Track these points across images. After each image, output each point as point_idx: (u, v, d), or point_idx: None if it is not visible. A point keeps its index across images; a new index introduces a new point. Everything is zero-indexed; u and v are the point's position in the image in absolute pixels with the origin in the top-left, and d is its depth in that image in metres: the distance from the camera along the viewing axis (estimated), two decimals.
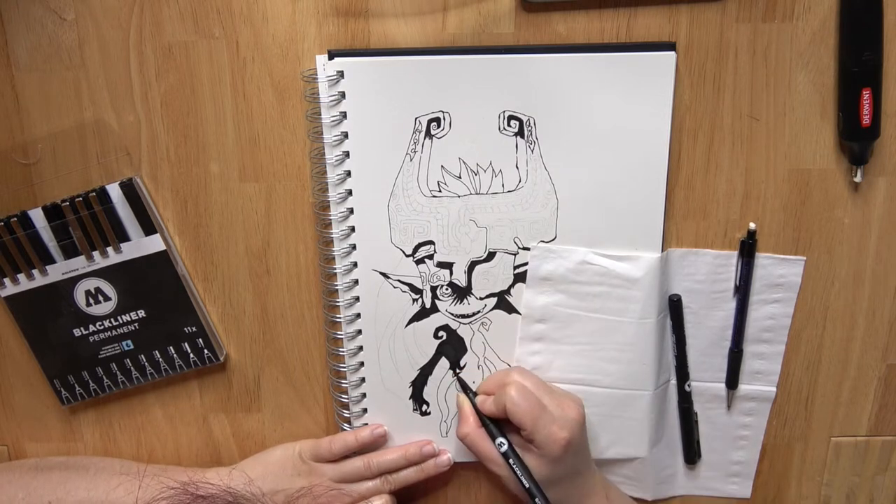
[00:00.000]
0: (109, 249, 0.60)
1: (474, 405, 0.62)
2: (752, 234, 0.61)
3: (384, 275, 0.61)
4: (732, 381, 0.65)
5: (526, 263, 0.61)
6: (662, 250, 0.61)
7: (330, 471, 0.63)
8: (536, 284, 0.62)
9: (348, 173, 0.59)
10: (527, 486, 0.57)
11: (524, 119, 0.57)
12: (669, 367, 0.64)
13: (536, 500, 0.57)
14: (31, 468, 0.64)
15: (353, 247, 0.60)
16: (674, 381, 0.65)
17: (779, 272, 0.62)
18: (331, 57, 0.56)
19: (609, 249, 0.60)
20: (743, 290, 0.62)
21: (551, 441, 0.57)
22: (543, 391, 0.59)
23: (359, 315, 0.62)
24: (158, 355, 0.64)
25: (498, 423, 0.60)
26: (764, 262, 0.62)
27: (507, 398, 0.58)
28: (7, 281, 0.60)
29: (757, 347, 0.64)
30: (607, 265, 0.60)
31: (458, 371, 0.64)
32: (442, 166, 0.58)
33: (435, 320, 0.63)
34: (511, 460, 0.58)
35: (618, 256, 0.60)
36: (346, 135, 0.58)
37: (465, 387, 0.64)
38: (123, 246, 0.60)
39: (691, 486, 0.68)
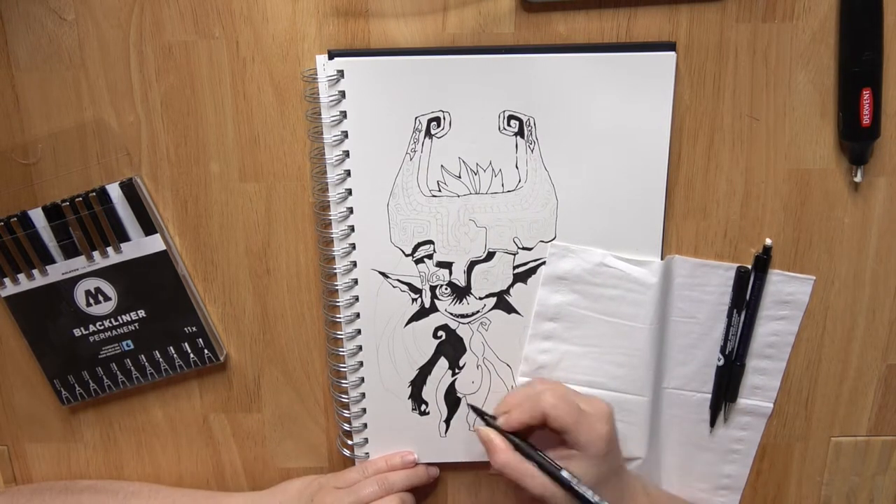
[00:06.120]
0: (109, 249, 0.60)
1: (499, 430, 0.58)
2: (767, 250, 0.61)
3: (384, 274, 0.61)
4: (732, 394, 0.64)
5: (525, 263, 0.61)
6: (663, 250, 0.61)
7: (345, 497, 0.62)
8: (552, 282, 0.61)
9: (348, 173, 0.59)
10: (580, 491, 0.54)
11: (524, 119, 0.57)
12: (664, 372, 0.64)
13: (591, 498, 0.54)
14: (62, 490, 0.65)
15: (353, 246, 0.60)
16: (669, 389, 0.64)
17: (788, 290, 0.62)
18: (331, 57, 0.56)
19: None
20: (752, 305, 0.62)
21: (595, 437, 0.55)
22: (572, 393, 0.58)
23: (358, 315, 0.62)
24: (158, 355, 0.64)
25: (528, 442, 0.58)
26: (775, 278, 0.62)
27: (546, 404, 0.56)
28: (7, 281, 0.61)
29: (759, 363, 0.64)
30: (624, 269, 0.60)
31: (469, 402, 0.64)
32: (442, 166, 0.58)
33: (434, 320, 0.63)
34: (558, 470, 0.55)
35: (636, 261, 0.60)
36: (346, 134, 0.58)
37: (480, 413, 0.60)
38: (123, 246, 0.60)
39: (678, 496, 0.68)
